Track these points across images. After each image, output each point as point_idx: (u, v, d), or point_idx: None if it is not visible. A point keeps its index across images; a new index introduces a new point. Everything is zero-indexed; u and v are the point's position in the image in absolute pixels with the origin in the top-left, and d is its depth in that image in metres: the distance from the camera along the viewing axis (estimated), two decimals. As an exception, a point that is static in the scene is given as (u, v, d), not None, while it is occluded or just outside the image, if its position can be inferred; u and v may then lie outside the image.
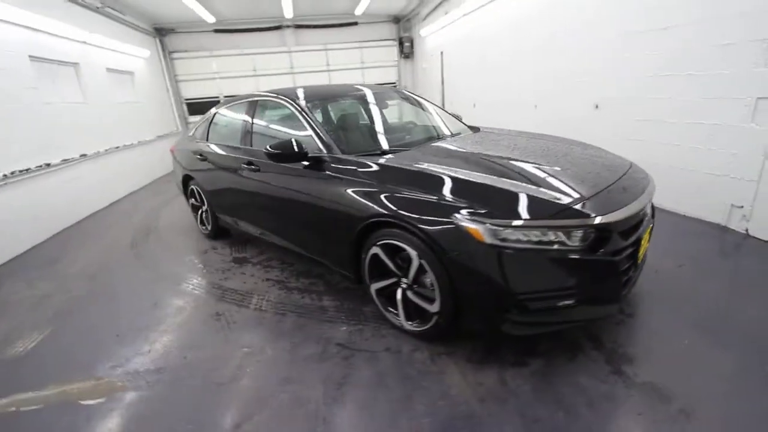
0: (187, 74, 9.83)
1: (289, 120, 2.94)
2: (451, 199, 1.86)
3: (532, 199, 1.78)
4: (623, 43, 3.94)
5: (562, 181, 1.94)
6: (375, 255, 2.20)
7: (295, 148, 2.44)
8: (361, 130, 2.80)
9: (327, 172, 2.42)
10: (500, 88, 6.41)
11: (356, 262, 2.37)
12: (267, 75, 10.26)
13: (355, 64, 10.70)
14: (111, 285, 3.29)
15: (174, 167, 4.59)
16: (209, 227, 4.05)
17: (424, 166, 2.16)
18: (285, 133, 2.95)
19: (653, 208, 2.24)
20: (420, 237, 1.90)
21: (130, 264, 3.71)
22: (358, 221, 2.20)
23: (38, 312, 2.89)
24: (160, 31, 9.22)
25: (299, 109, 2.76)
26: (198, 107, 10.09)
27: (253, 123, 3.18)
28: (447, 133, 2.99)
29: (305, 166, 2.54)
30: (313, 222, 2.57)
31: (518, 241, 1.71)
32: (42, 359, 2.33)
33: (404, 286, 2.15)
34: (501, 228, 1.71)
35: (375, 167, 2.26)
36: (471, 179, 1.95)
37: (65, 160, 5.07)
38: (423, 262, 1.93)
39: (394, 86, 10.51)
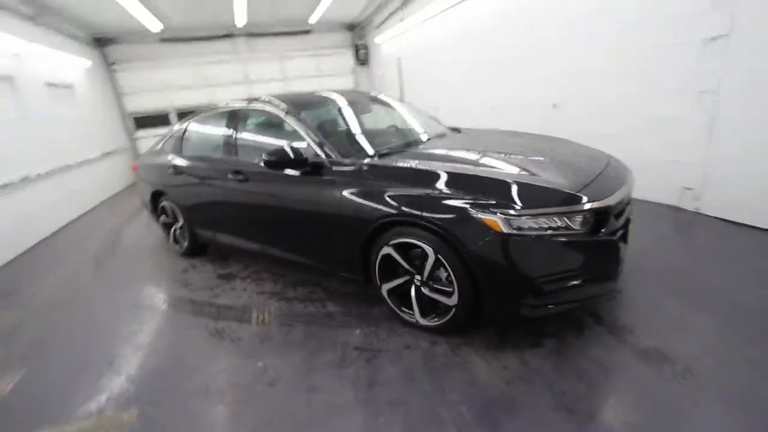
0: (132, 86, 9.26)
1: (277, 128, 2.91)
2: (465, 195, 1.94)
3: (540, 189, 1.92)
4: (576, 47, 4.30)
5: (560, 172, 2.10)
6: (386, 255, 2.23)
7: (293, 155, 2.43)
8: (354, 135, 2.82)
9: (328, 177, 2.41)
10: (461, 93, 6.69)
11: (364, 265, 2.39)
12: (220, 85, 9.92)
13: (312, 72, 10.64)
14: (86, 312, 3.03)
15: (139, 185, 4.32)
16: (185, 245, 3.84)
17: (430, 165, 2.24)
18: (275, 141, 2.90)
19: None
20: (437, 233, 1.97)
21: (102, 289, 3.44)
22: (367, 223, 2.22)
23: (11, 344, 2.61)
24: (100, 42, 8.63)
25: (290, 116, 2.72)
26: (146, 121, 9.55)
27: (237, 133, 3.09)
28: (436, 133, 3.09)
29: (303, 173, 2.52)
30: (316, 228, 2.55)
31: (531, 228, 1.82)
32: (28, 397, 2.10)
33: (418, 283, 2.20)
34: (516, 217, 1.82)
35: (381, 169, 2.30)
36: (480, 174, 2.05)
37: (4, 186, 4.58)
38: (440, 257, 1.99)
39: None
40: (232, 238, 3.31)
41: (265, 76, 10.23)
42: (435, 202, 1.98)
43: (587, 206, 1.87)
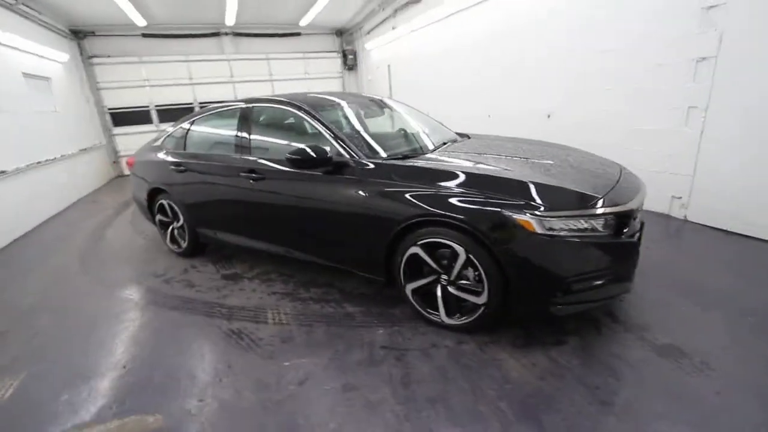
0: (111, 81, 8.87)
1: (296, 127, 2.89)
2: (497, 196, 2.00)
3: (569, 193, 2.00)
4: (571, 63, 4.52)
5: (582, 177, 2.21)
6: (413, 255, 2.26)
7: (318, 154, 2.42)
8: (375, 136, 2.85)
9: (353, 177, 2.42)
10: (455, 99, 6.83)
11: (387, 265, 2.41)
12: (205, 83, 9.68)
13: (299, 74, 10.58)
14: (85, 315, 2.87)
15: (134, 182, 4.15)
16: (184, 244, 3.72)
17: (457, 166, 2.30)
18: (294, 140, 2.88)
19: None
20: (469, 233, 2.02)
21: (96, 291, 3.27)
22: (395, 223, 2.25)
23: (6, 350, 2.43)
24: (78, 34, 8.24)
25: (311, 116, 2.72)
26: (125, 117, 9.18)
27: (250, 131, 3.04)
28: (449, 138, 3.16)
29: (325, 172, 2.52)
30: (338, 228, 2.54)
31: (562, 229, 1.91)
32: (33, 404, 1.97)
33: (444, 282, 2.24)
34: (549, 219, 1.89)
35: (408, 169, 2.33)
36: (510, 177, 2.11)
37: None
38: (471, 256, 2.04)
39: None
40: (240, 238, 3.24)
41: (251, 77, 10.07)
42: (468, 203, 2.03)
43: (613, 209, 1.97)
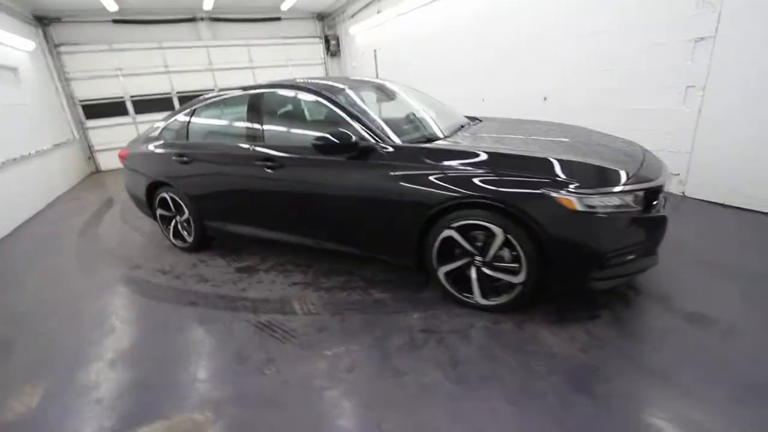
0: (81, 71, 8.35)
1: (316, 113, 2.82)
2: (533, 175, 2.02)
3: (606, 170, 2.05)
4: (568, 44, 4.58)
5: (611, 156, 2.26)
6: (447, 238, 2.26)
7: (343, 139, 2.36)
8: (398, 120, 2.80)
9: (382, 162, 2.38)
10: (447, 83, 6.81)
11: (418, 249, 2.41)
12: (182, 72, 9.26)
13: (281, 61, 10.26)
14: (95, 319, 2.74)
15: (128, 176, 3.95)
16: (190, 238, 3.60)
17: (489, 147, 2.30)
18: (314, 126, 2.80)
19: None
20: (508, 213, 2.03)
21: (100, 293, 3.12)
22: (428, 207, 2.24)
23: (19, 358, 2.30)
24: (42, 20, 7.68)
25: (331, 100, 2.64)
26: (98, 109, 8.69)
27: (263, 118, 2.93)
28: (465, 121, 3.16)
29: (349, 158, 2.47)
30: (366, 214, 2.50)
31: (600, 206, 1.95)
32: (66, 410, 1.88)
33: (478, 263, 2.26)
34: (588, 196, 1.93)
35: (439, 152, 2.31)
36: (545, 156, 2.13)
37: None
38: (510, 236, 2.07)
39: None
40: (255, 229, 3.16)
41: (231, 64, 9.70)
42: (507, 184, 2.04)
43: (646, 185, 2.04)
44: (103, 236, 4.44)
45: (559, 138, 2.56)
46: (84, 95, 8.49)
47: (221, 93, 3.32)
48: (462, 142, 2.48)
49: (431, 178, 2.22)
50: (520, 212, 2.00)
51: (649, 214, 2.07)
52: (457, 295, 2.38)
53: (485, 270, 2.24)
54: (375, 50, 8.90)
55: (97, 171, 8.90)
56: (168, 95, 9.26)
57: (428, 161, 2.28)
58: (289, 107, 3.04)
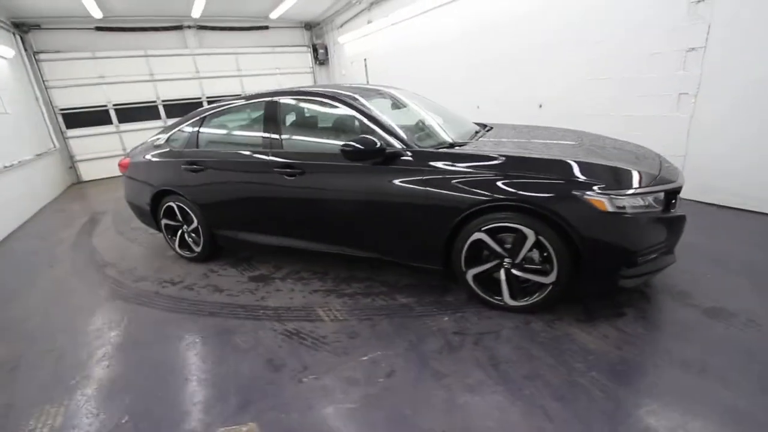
0: (61, 79, 8.05)
1: (338, 119, 2.83)
2: (564, 178, 2.08)
3: (632, 173, 2.14)
4: (563, 53, 4.76)
5: (631, 159, 2.36)
6: (476, 241, 2.30)
7: (368, 145, 2.38)
8: (420, 125, 2.83)
9: (408, 167, 2.40)
10: (441, 91, 6.91)
11: (445, 253, 2.43)
12: (168, 80, 9.07)
13: (269, 69, 10.21)
14: (106, 331, 2.63)
15: (129, 186, 3.83)
16: (198, 248, 3.52)
17: (514, 151, 2.37)
18: (334, 132, 2.81)
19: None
20: (539, 215, 2.09)
21: (110, 307, 3.01)
22: (458, 211, 2.27)
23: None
24: (21, 27, 7.39)
25: (353, 107, 2.66)
26: (80, 118, 8.40)
27: (280, 125, 2.92)
28: (477, 127, 3.23)
29: (374, 163, 2.48)
30: (394, 220, 2.51)
31: (628, 207, 2.03)
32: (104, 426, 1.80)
33: (507, 265, 2.30)
34: (617, 197, 2.01)
35: (468, 157, 2.35)
36: (572, 159, 2.20)
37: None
38: (541, 238, 2.12)
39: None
40: (269, 238, 3.11)
41: (218, 72, 9.57)
42: (537, 186, 2.10)
43: (668, 187, 2.14)
44: (99, 248, 4.27)
45: (575, 142, 2.66)
46: (65, 104, 8.19)
47: (233, 101, 3.28)
48: (485, 147, 2.54)
49: (461, 182, 2.26)
50: (552, 214, 2.05)
51: (671, 214, 2.17)
52: (484, 296, 2.41)
53: (514, 271, 2.28)
54: (365, 59, 8.98)
55: (79, 181, 8.57)
56: (153, 103, 9.04)
57: (457, 166, 2.32)
58: (309, 114, 3.04)
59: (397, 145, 2.47)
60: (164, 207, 3.53)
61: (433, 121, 3.06)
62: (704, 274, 2.64)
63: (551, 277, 2.18)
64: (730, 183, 3.64)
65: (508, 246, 2.25)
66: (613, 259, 2.08)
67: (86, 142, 8.50)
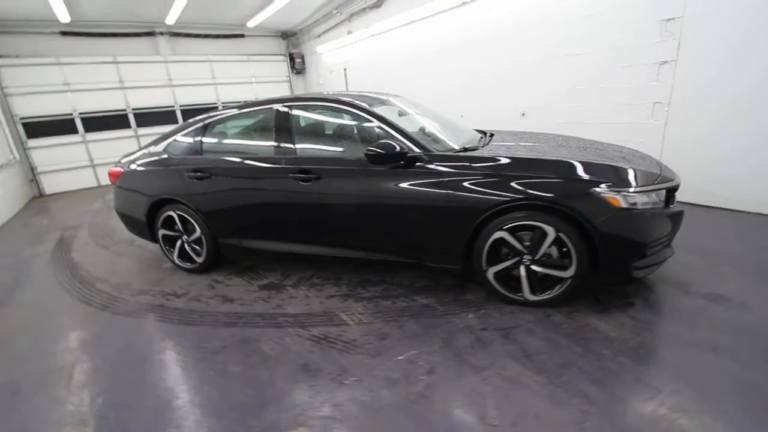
0: (22, 86, 7.55)
1: (353, 124, 2.88)
2: (585, 177, 2.24)
3: (641, 172, 2.33)
4: (547, 64, 5.06)
5: (636, 160, 2.57)
6: (497, 240, 2.40)
7: (388, 149, 2.44)
8: (433, 130, 2.93)
9: (429, 170, 2.48)
10: (427, 101, 7.11)
11: (465, 253, 2.52)
12: (138, 87, 8.72)
13: (245, 78, 10.07)
14: (117, 349, 2.50)
15: (121, 196, 3.66)
16: (200, 259, 3.41)
17: (529, 153, 2.51)
18: (349, 138, 2.85)
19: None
20: (559, 213, 2.23)
21: (116, 321, 2.86)
22: (480, 212, 2.37)
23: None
24: (-24, 29, 6.90)
25: (370, 113, 2.72)
26: (42, 128, 7.90)
27: (293, 131, 2.92)
28: (478, 134, 3.37)
29: (393, 167, 2.55)
30: (415, 222, 2.57)
31: (639, 203, 2.21)
32: None
33: (527, 261, 2.42)
34: (631, 194, 2.19)
35: (488, 159, 2.46)
36: (585, 160, 2.37)
37: None
38: (561, 234, 2.26)
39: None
40: (281, 244, 3.08)
41: (191, 80, 9.31)
42: (556, 186, 2.24)
43: (670, 184, 2.35)
44: (83, 263, 4.02)
45: (578, 146, 2.85)
46: (25, 112, 7.67)
47: (240, 107, 3.24)
48: (499, 151, 2.67)
49: (481, 183, 2.37)
50: (571, 211, 2.20)
51: (672, 210, 2.37)
52: (506, 293, 2.51)
53: (534, 267, 2.40)
54: (345, 69, 9.06)
55: (41, 195, 8.01)
56: (123, 112, 8.66)
57: (476, 168, 2.42)
58: (322, 121, 3.06)
59: (416, 149, 2.55)
60: (163, 217, 3.40)
61: (441, 127, 3.17)
62: (694, 265, 2.88)
63: (570, 271, 2.32)
64: (703, 183, 4.00)
65: (527, 243, 2.38)
66: (627, 251, 2.25)
67: (49, 152, 7.99)
